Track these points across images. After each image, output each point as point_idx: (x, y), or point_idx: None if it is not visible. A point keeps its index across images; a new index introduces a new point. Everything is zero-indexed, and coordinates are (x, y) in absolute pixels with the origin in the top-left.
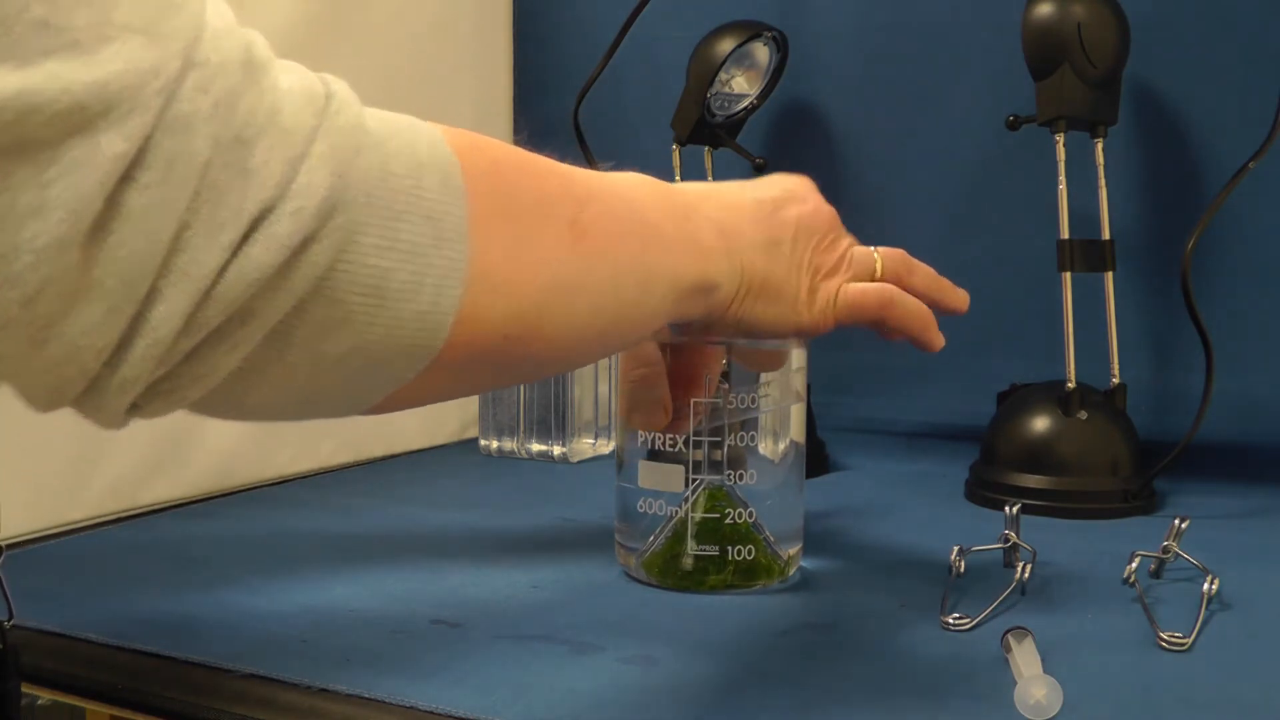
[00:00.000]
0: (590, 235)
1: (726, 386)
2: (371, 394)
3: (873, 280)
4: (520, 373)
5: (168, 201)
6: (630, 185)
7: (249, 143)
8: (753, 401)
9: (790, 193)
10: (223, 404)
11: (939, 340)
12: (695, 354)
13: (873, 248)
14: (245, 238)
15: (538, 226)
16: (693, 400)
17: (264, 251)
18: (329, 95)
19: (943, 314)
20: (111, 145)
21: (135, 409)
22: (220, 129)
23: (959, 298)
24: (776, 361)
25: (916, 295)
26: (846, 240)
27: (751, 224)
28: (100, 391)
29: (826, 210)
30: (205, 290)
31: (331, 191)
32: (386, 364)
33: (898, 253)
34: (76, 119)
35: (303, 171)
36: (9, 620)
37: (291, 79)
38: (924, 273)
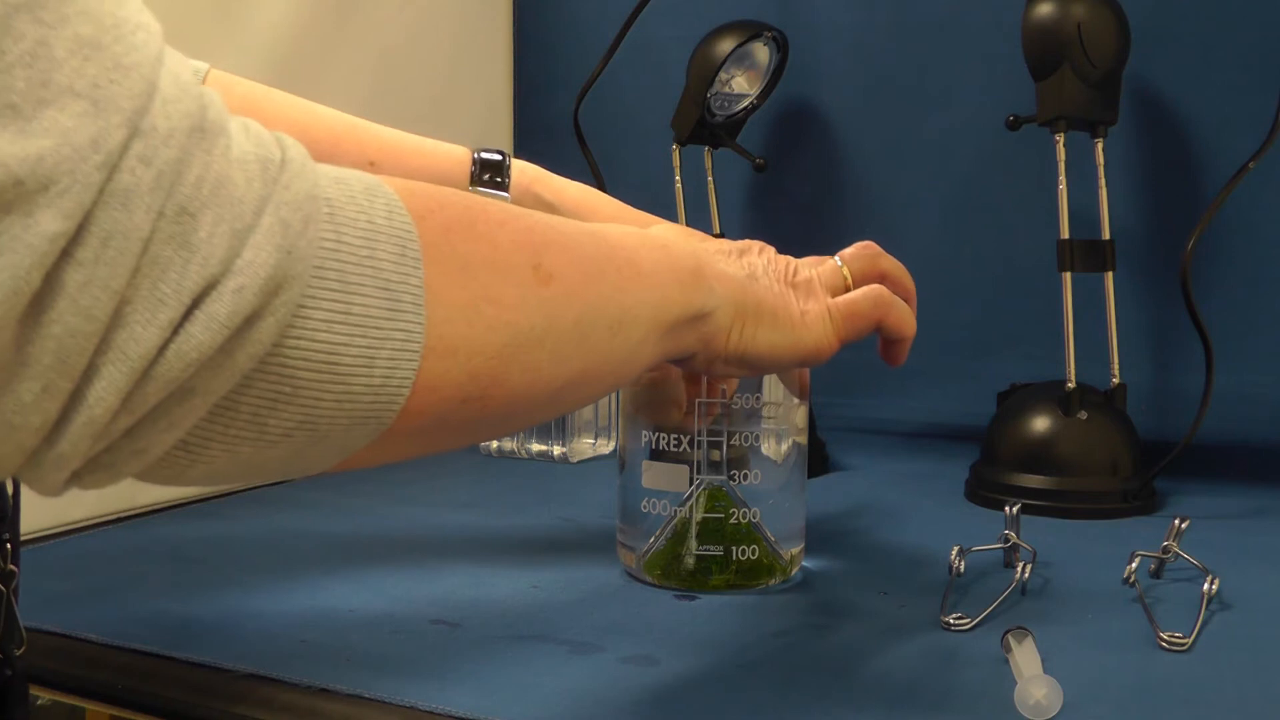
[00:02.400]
0: (556, 278)
1: (726, 388)
2: (321, 462)
3: (847, 283)
4: (484, 432)
5: (106, 278)
6: (598, 224)
7: (194, 215)
8: (757, 401)
9: (746, 243)
10: (165, 474)
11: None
12: None
13: (833, 258)
14: (186, 316)
15: (498, 281)
16: (699, 401)
17: (203, 331)
18: (284, 162)
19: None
20: (50, 224)
21: (75, 479)
22: (164, 201)
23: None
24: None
25: (893, 287)
26: (806, 268)
27: (727, 259)
28: (37, 465)
29: (781, 255)
30: (143, 369)
31: (277, 268)
32: (337, 435)
33: (859, 251)
34: (10, 195)
35: (248, 246)
36: (20, 648)
37: (245, 144)
38: (890, 262)
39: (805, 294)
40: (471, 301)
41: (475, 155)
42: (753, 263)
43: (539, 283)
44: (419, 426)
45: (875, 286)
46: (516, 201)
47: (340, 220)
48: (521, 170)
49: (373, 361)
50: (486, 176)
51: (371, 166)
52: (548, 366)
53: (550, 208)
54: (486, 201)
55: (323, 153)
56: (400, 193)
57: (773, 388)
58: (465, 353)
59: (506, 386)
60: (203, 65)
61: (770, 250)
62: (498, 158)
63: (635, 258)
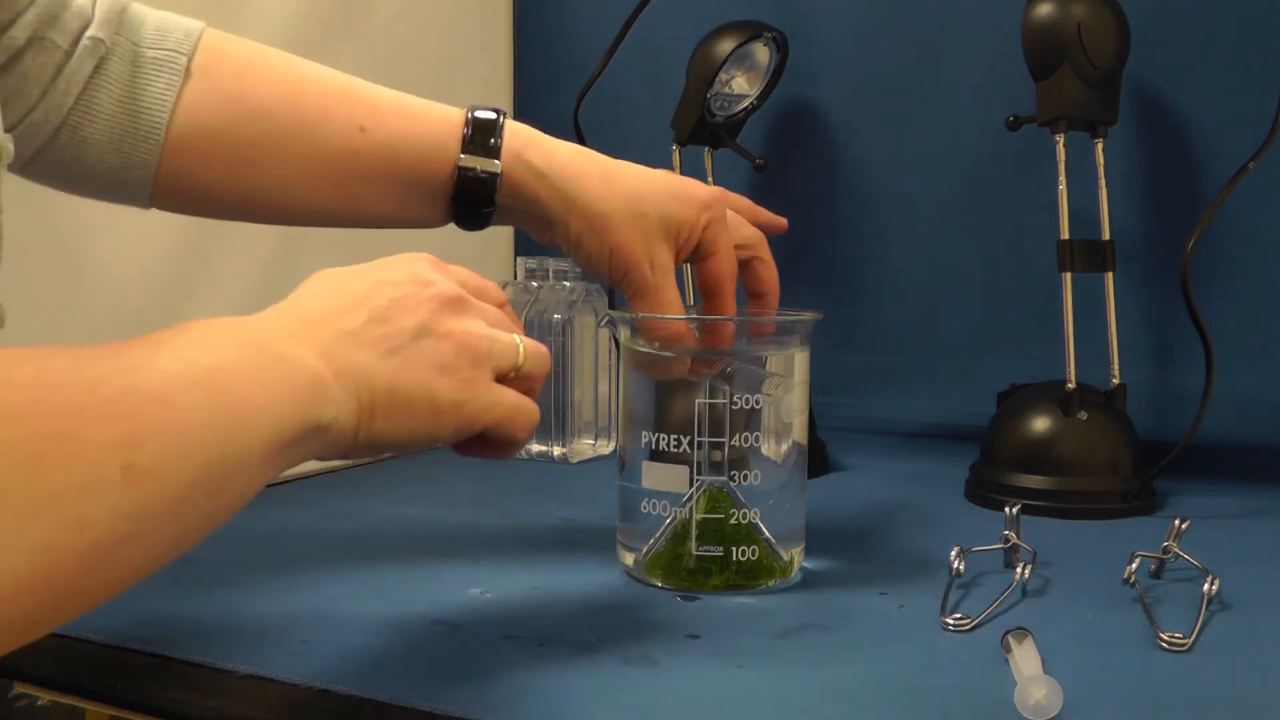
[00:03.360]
0: (152, 472)
1: (728, 388)
2: None
3: (516, 369)
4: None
5: None
6: (203, 349)
7: None
8: (757, 403)
9: (402, 288)
10: None
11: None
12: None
13: (516, 337)
14: None
15: (80, 502)
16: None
17: None
18: None
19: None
20: None
21: None
22: None
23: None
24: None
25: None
26: (481, 339)
27: (363, 335)
28: None
29: (447, 294)
30: None
31: None
32: None
33: (541, 351)
34: None
35: None
36: None
37: None
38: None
39: (469, 365)
40: (44, 539)
41: (469, 116)
42: (400, 331)
43: (129, 484)
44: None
45: (528, 408)
46: (507, 171)
47: None
48: (514, 134)
49: None
50: (479, 139)
51: (362, 133)
52: (137, 557)
53: (541, 175)
54: (82, 381)
55: (314, 119)
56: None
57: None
58: (29, 595)
59: (88, 592)
60: (196, 24)
61: (429, 294)
62: (491, 116)
63: (245, 394)
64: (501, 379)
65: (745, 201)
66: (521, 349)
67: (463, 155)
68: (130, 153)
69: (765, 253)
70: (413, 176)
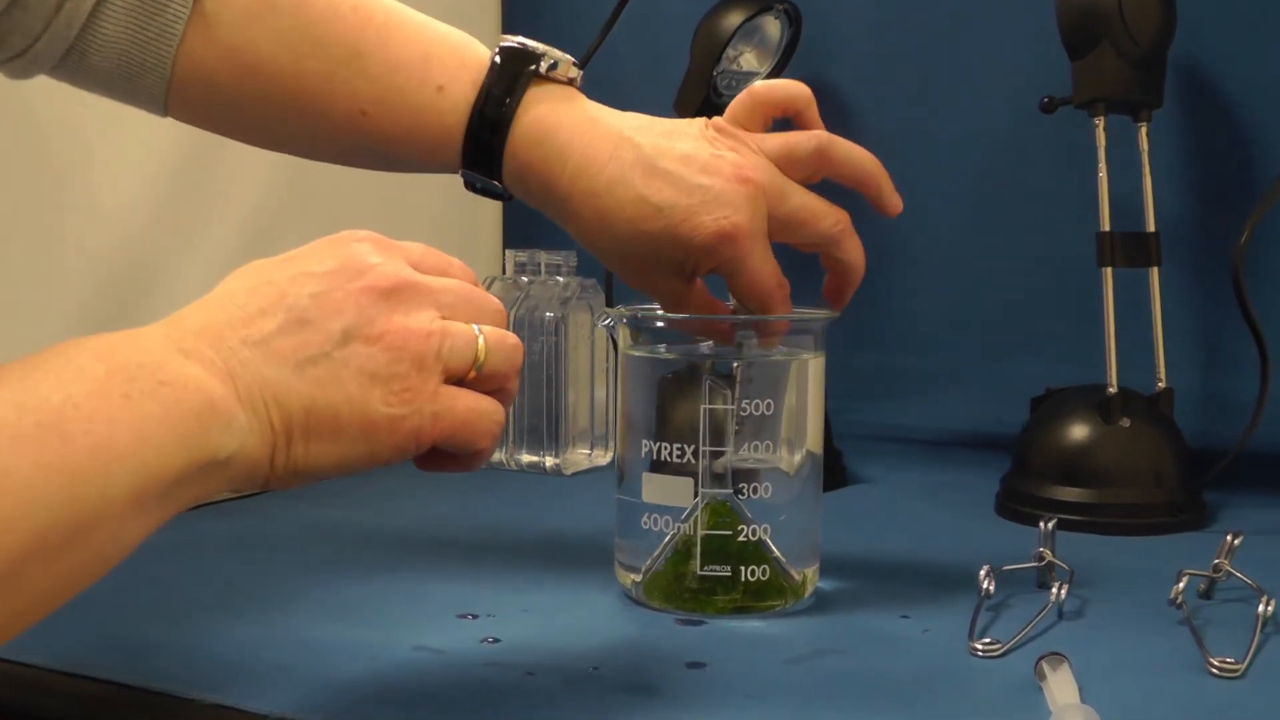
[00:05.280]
0: None
1: (729, 392)
2: None
3: (476, 367)
4: None
5: None
6: (54, 385)
7: None
8: (769, 408)
9: (326, 281)
10: None
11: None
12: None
13: (476, 328)
14: None
15: None
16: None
17: None
18: None
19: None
20: None
21: None
22: None
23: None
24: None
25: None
26: (424, 320)
27: (275, 344)
28: None
29: (383, 283)
30: None
31: None
32: None
33: (508, 343)
34: None
35: None
36: None
37: None
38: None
39: (411, 370)
40: None
41: (468, 133)
42: (324, 337)
43: None
44: None
45: (493, 411)
46: (509, 186)
47: None
48: (514, 153)
49: None
50: (480, 152)
51: (364, 117)
52: None
53: (535, 199)
54: None
55: (315, 91)
56: None
57: (788, 393)
58: None
59: None
60: None
61: (365, 295)
62: (489, 149)
63: (101, 437)
64: (459, 380)
65: (861, 164)
66: (482, 342)
67: (464, 169)
68: (138, 79)
69: (840, 249)
70: (418, 165)
